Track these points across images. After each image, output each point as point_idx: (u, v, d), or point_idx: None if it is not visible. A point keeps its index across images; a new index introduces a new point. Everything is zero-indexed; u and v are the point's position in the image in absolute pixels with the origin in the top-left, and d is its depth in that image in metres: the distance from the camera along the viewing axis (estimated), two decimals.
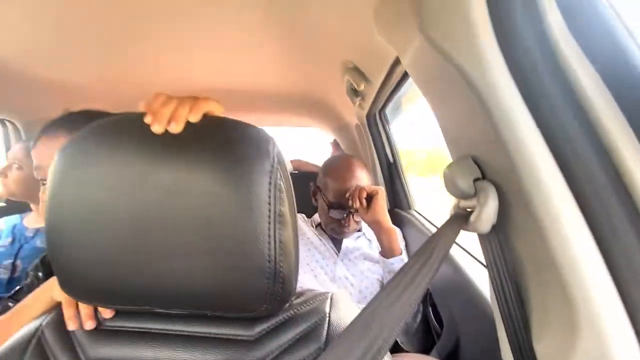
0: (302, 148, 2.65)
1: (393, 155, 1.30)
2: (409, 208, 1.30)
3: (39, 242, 1.18)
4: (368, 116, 1.22)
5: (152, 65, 1.18)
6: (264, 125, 1.94)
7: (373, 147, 1.30)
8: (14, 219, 1.29)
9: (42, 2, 0.71)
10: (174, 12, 0.78)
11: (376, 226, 0.96)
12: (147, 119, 0.36)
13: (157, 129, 0.35)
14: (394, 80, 0.81)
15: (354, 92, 0.99)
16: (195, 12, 0.79)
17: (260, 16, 0.77)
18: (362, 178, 1.04)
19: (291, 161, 1.52)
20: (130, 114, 0.41)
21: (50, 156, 0.53)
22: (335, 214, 1.01)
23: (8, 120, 1.34)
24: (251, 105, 1.53)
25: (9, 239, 1.20)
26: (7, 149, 1.40)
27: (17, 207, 1.39)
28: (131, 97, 1.49)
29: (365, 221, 0.99)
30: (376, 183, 1.33)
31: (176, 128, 0.36)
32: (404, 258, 0.96)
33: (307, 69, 1.12)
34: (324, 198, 1.05)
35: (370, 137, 1.28)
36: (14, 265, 1.12)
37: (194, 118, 0.37)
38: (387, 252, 0.96)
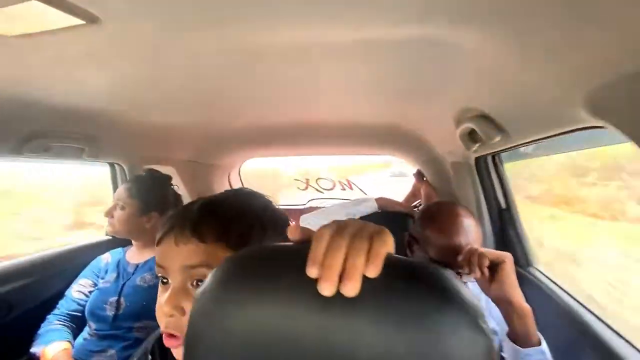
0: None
1: (507, 201, 1.10)
2: (528, 265, 1.08)
3: (139, 280, 1.24)
4: (479, 158, 1.04)
5: (246, 107, 1.19)
6: (344, 154, 1.88)
7: (481, 190, 1.11)
8: (118, 252, 1.39)
9: (152, 57, 0.72)
10: (277, 54, 0.74)
11: (505, 305, 0.78)
12: (312, 271, 0.27)
13: (326, 290, 0.26)
14: (542, 135, 0.65)
15: (472, 139, 0.84)
16: (309, 54, 0.73)
17: (382, 56, 0.69)
18: (472, 232, 0.87)
19: (376, 199, 1.41)
20: (287, 246, 0.33)
21: (172, 258, 0.49)
22: None
23: (117, 163, 1.47)
24: (337, 135, 1.47)
25: (114, 275, 1.29)
26: (115, 185, 1.54)
27: (121, 240, 1.50)
28: (227, 140, 1.61)
29: (489, 296, 0.81)
30: (483, 232, 1.13)
31: (351, 291, 0.26)
32: (544, 349, 0.76)
33: (410, 106, 1.01)
34: (425, 254, 0.90)
35: (477, 179, 1.10)
36: (118, 302, 1.19)
37: (373, 272, 0.27)
38: (520, 338, 0.77)
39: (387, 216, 1.33)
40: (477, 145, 0.85)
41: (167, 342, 0.47)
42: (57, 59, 0.67)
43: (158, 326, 1.26)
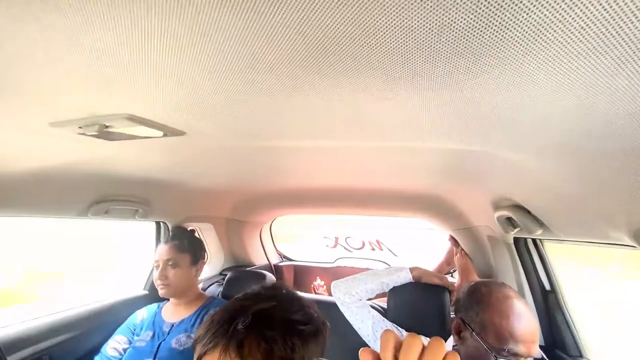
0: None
1: (551, 282, 1.05)
2: (581, 356, 0.99)
3: (174, 343, 1.25)
4: (517, 238, 1.03)
5: (281, 173, 1.26)
6: (376, 215, 1.89)
7: (522, 271, 1.07)
8: (154, 308, 1.42)
9: (207, 144, 0.80)
10: (315, 148, 0.80)
11: None
12: None
13: None
14: (583, 239, 0.65)
15: (511, 224, 0.84)
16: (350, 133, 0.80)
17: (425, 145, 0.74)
18: (532, 316, 0.81)
19: (410, 269, 1.37)
20: None
21: None
22: None
23: (162, 222, 1.58)
24: (370, 199, 1.50)
25: (150, 333, 1.30)
26: (157, 242, 1.63)
27: (157, 296, 1.55)
28: (261, 200, 1.69)
29: None
30: None
31: None
32: None
33: (449, 181, 1.03)
34: (481, 341, 0.82)
35: (517, 258, 1.07)
36: None
37: None
38: None
39: (422, 289, 1.28)
40: (517, 229, 0.85)
41: None
42: (129, 145, 0.77)
43: None
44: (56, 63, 0.38)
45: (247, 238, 2.01)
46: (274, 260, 2.23)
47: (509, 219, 0.83)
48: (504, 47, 0.29)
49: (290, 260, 2.30)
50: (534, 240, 1.03)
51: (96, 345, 1.33)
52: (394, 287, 1.34)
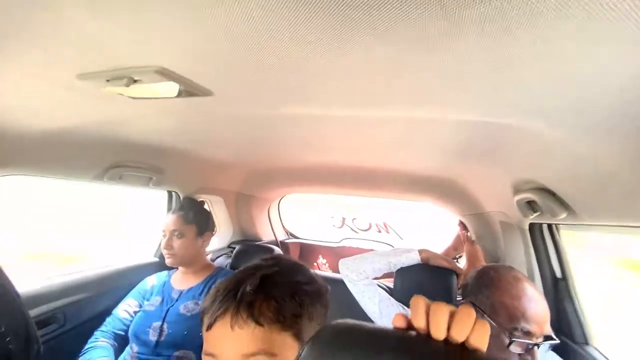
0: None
1: (563, 270, 1.04)
2: (586, 343, 1.00)
3: (182, 309, 1.28)
4: (533, 224, 1.02)
5: (293, 148, 1.25)
6: (385, 197, 1.89)
7: (534, 258, 1.07)
8: (163, 275, 1.45)
9: (225, 112, 0.79)
10: (335, 121, 0.79)
11: None
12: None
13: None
14: (612, 223, 0.63)
15: (531, 208, 0.83)
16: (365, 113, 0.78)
17: (446, 122, 0.72)
18: (543, 299, 0.81)
19: (419, 251, 1.38)
20: (378, 328, 0.35)
21: (227, 345, 0.46)
22: (516, 347, 0.77)
23: (174, 192, 1.59)
24: (380, 180, 1.49)
25: (159, 298, 1.34)
26: (169, 211, 1.64)
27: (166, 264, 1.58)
28: (271, 176, 1.69)
29: None
30: None
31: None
32: None
33: (465, 163, 1.02)
34: (495, 323, 0.82)
35: (530, 244, 1.07)
36: (161, 328, 1.23)
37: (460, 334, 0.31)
38: None
39: (429, 270, 1.29)
40: (537, 214, 0.84)
41: None
42: (150, 106, 0.76)
43: (196, 357, 1.27)
44: (86, 9, 0.37)
45: (256, 213, 2.03)
46: (281, 237, 2.25)
47: (530, 202, 0.82)
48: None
49: (297, 238, 2.33)
50: (549, 227, 1.02)
51: (108, 307, 1.37)
52: (401, 268, 1.35)
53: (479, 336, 0.32)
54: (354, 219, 2.15)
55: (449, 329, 0.33)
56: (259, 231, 2.07)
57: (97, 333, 1.28)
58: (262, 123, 0.81)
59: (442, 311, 0.33)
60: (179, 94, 0.56)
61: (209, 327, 0.48)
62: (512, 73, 0.42)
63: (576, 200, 0.67)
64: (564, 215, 0.70)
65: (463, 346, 0.32)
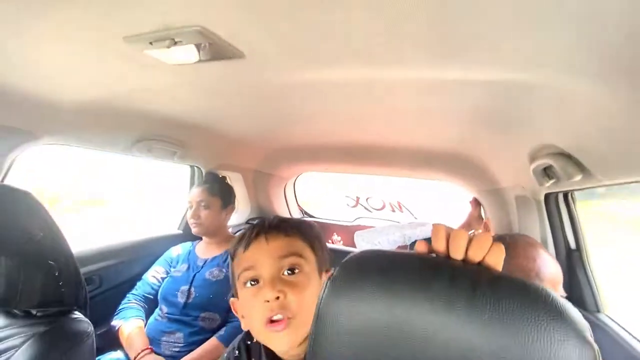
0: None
1: (577, 241, 1.06)
2: (597, 311, 1.02)
3: (207, 274, 1.37)
4: (549, 194, 1.03)
5: (311, 125, 1.29)
6: (400, 176, 1.91)
7: (548, 228, 1.09)
8: (188, 245, 1.55)
9: (250, 83, 0.83)
10: (353, 88, 0.81)
11: None
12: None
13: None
14: (632, 179, 0.65)
15: (547, 175, 0.85)
16: (384, 89, 0.81)
17: (460, 92, 0.74)
18: (556, 262, 0.85)
19: (434, 225, 1.41)
20: (403, 253, 0.40)
21: (264, 254, 0.57)
22: None
23: (196, 166, 1.66)
24: (395, 158, 1.51)
25: (185, 265, 1.44)
26: (191, 186, 1.72)
27: (190, 235, 1.67)
28: (288, 154, 1.74)
29: None
30: None
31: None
32: None
33: (479, 136, 1.03)
34: None
35: (545, 216, 1.08)
36: (189, 291, 1.32)
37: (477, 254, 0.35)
38: None
39: None
40: (552, 181, 0.85)
41: (271, 328, 0.54)
42: (182, 74, 0.80)
43: (220, 318, 1.37)
44: None
45: (273, 191, 2.09)
46: (296, 215, 2.32)
47: (546, 169, 0.84)
48: None
49: (311, 216, 2.39)
50: (565, 197, 1.03)
51: (137, 272, 1.48)
52: (415, 240, 1.39)
53: (495, 256, 0.36)
54: (368, 198, 2.18)
55: (467, 252, 0.36)
56: (276, 209, 2.14)
57: (129, 295, 1.39)
58: (286, 91, 0.85)
59: (461, 235, 0.37)
60: (214, 57, 0.60)
61: (246, 248, 0.59)
62: (534, 20, 0.43)
63: (593, 161, 0.69)
64: (579, 177, 0.72)
65: (479, 264, 0.36)
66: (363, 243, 1.29)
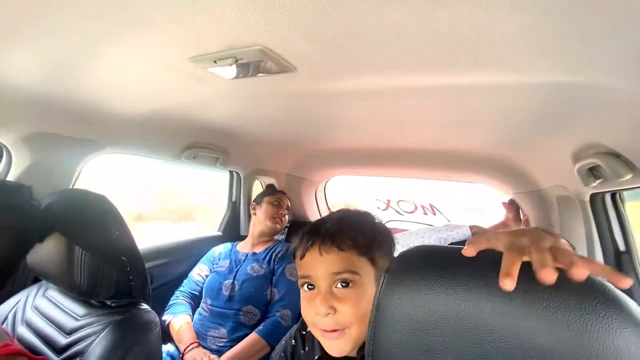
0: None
1: (627, 243, 1.02)
2: None
3: (249, 269, 1.45)
4: (595, 194, 1.00)
5: (343, 130, 1.32)
6: (433, 179, 1.91)
7: (595, 231, 1.05)
8: (228, 245, 1.64)
9: (290, 94, 0.89)
10: (390, 93, 0.84)
11: None
12: (506, 284, 0.33)
13: (508, 285, 0.33)
14: None
15: (593, 175, 0.83)
16: (422, 94, 0.83)
17: (502, 96, 0.75)
18: None
19: (470, 227, 1.40)
20: (459, 248, 0.42)
21: (318, 267, 0.58)
22: None
23: (235, 172, 1.75)
24: (429, 160, 1.52)
25: (227, 261, 1.52)
26: (231, 190, 1.82)
27: (230, 236, 1.75)
28: (320, 158, 1.79)
29: None
30: None
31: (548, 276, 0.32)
32: None
33: (520, 138, 1.03)
34: None
35: (591, 217, 1.05)
36: (232, 285, 1.40)
37: (550, 279, 0.32)
38: None
39: None
40: (598, 181, 0.84)
41: (328, 336, 0.56)
42: (233, 86, 0.88)
43: (260, 314, 1.43)
44: None
45: (304, 195, 2.15)
46: None
47: (592, 169, 0.82)
48: None
49: None
50: (612, 198, 1.00)
51: (183, 271, 1.58)
52: (452, 243, 1.38)
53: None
54: (400, 201, 2.18)
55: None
56: (307, 211, 2.19)
57: (177, 292, 1.49)
58: (328, 99, 0.89)
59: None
60: (269, 72, 0.66)
61: (302, 257, 0.60)
62: (582, 24, 0.45)
63: None
64: (629, 176, 0.71)
65: None
66: (398, 246, 1.30)
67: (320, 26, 0.53)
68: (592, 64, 0.56)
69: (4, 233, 0.59)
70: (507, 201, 1.63)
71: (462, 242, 1.28)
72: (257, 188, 1.91)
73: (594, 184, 0.85)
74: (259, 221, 1.59)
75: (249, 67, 0.64)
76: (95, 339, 0.71)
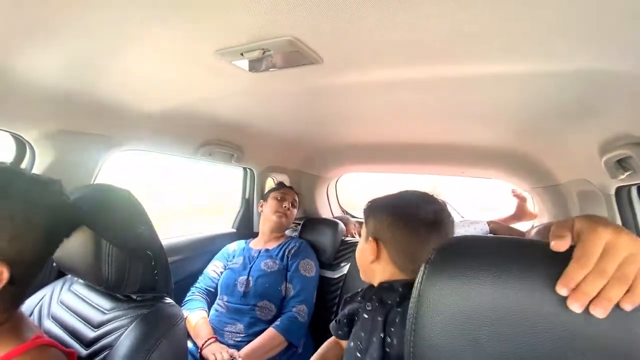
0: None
1: None
2: None
3: (263, 265, 1.45)
4: (621, 188, 0.98)
5: (357, 126, 1.32)
6: (447, 175, 1.88)
7: (620, 224, 1.03)
8: (242, 242, 1.64)
9: (307, 89, 0.89)
10: (409, 86, 0.83)
11: None
12: (561, 290, 0.31)
13: (576, 309, 0.31)
14: None
15: (621, 167, 0.81)
16: (440, 86, 0.82)
17: (521, 86, 0.74)
18: None
19: (487, 222, 1.39)
20: (505, 238, 0.42)
21: None
22: None
23: (249, 168, 1.75)
24: (443, 156, 1.50)
25: (241, 258, 1.53)
26: (244, 187, 1.82)
27: (243, 233, 1.76)
28: (331, 155, 1.78)
29: None
30: None
31: (600, 315, 0.29)
32: None
33: (540, 132, 1.01)
34: None
35: (617, 211, 1.03)
36: (247, 280, 1.41)
37: (630, 305, 0.29)
38: None
39: None
40: (627, 173, 0.82)
41: None
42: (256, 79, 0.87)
43: (275, 309, 1.44)
44: None
45: (316, 191, 2.14)
46: (337, 214, 2.36)
47: (620, 161, 0.80)
48: None
49: (353, 217, 2.41)
50: (639, 190, 0.98)
51: (198, 267, 1.59)
52: None
53: None
54: None
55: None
56: (318, 208, 2.19)
57: (193, 288, 1.50)
58: (348, 91, 0.89)
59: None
60: (296, 64, 0.66)
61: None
62: (610, 6, 0.43)
63: None
64: None
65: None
66: None
67: (350, 15, 0.52)
68: (621, 50, 0.54)
69: (36, 227, 0.60)
70: (516, 190, 1.60)
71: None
72: (270, 186, 1.91)
73: (622, 176, 0.83)
74: (266, 217, 1.60)
75: (275, 59, 0.64)
76: (123, 332, 0.72)
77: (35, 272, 0.64)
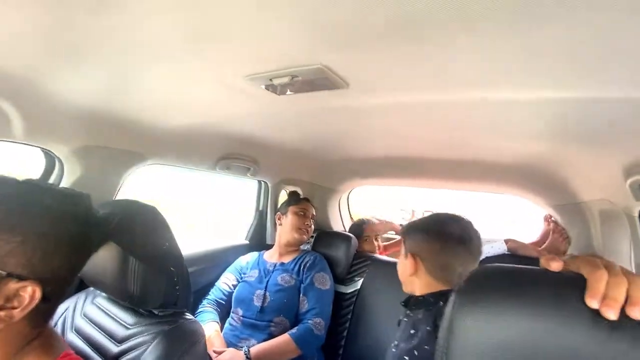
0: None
1: None
2: None
3: (279, 279, 1.45)
4: None
5: (369, 140, 1.32)
6: (461, 190, 1.87)
7: None
8: (255, 254, 1.64)
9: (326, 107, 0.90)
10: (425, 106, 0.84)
11: None
12: (592, 303, 0.32)
13: (613, 316, 0.31)
14: None
15: None
16: (465, 106, 0.82)
17: (547, 106, 0.74)
18: None
19: (505, 241, 1.36)
20: (533, 269, 0.41)
21: None
22: None
23: (263, 181, 1.77)
24: (459, 171, 1.49)
25: (256, 271, 1.53)
26: (258, 199, 1.84)
27: (256, 245, 1.77)
28: (343, 168, 1.80)
29: None
30: None
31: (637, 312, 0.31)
32: None
33: (563, 150, 1.00)
34: None
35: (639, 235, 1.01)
36: (264, 296, 1.40)
37: None
38: None
39: (518, 261, 1.26)
40: None
41: None
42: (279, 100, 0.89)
43: (290, 324, 1.43)
44: (259, 12, 0.47)
45: (328, 204, 2.15)
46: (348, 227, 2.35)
47: None
48: None
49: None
50: None
51: (210, 280, 1.59)
52: (486, 257, 1.34)
53: None
54: (426, 211, 2.15)
55: None
56: (331, 221, 2.19)
57: (204, 300, 1.50)
58: (367, 112, 0.90)
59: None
60: (323, 88, 0.67)
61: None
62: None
63: None
64: None
65: None
66: None
67: (380, 45, 0.54)
68: None
69: (67, 241, 0.61)
70: (548, 215, 1.55)
71: (498, 258, 1.24)
72: (282, 197, 1.93)
73: None
74: (285, 232, 1.58)
75: (303, 84, 0.66)
76: (146, 348, 0.73)
77: (66, 287, 0.66)
